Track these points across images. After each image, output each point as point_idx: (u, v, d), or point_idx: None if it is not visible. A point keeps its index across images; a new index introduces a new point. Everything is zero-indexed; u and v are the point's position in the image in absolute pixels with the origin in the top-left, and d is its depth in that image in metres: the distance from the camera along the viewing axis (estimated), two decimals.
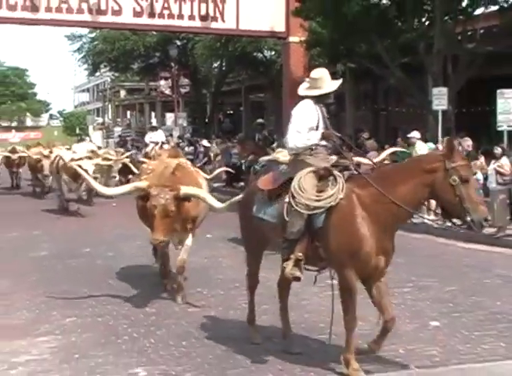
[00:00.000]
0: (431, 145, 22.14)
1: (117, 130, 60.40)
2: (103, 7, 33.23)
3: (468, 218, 8.23)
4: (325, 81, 9.30)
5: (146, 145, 34.23)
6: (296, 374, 8.52)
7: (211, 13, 34.98)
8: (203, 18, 34.96)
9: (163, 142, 32.96)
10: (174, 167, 12.12)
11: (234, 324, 10.17)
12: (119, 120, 79.36)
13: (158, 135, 34.36)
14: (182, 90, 51.72)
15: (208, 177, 16.04)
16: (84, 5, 32.99)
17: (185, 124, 45.36)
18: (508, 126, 21.59)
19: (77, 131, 76.35)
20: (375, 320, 8.78)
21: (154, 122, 37.70)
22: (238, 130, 46.58)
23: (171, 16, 34.57)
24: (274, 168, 16.29)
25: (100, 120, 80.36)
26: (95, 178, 21.28)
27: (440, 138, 22.68)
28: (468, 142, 20.88)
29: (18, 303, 12.25)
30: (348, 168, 8.93)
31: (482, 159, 20.59)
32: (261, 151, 27.03)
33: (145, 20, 34.52)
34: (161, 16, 34.43)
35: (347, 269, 8.40)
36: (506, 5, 26.48)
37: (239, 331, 10.28)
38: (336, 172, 8.71)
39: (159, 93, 59.74)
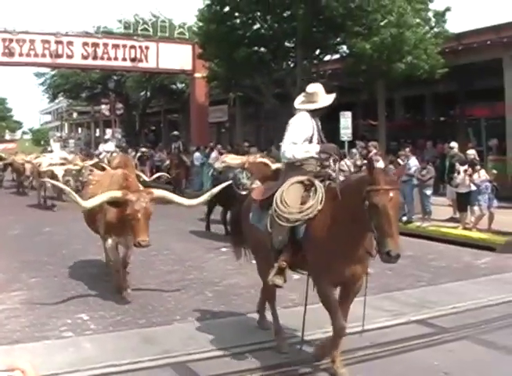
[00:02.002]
0: None
1: (71, 142, 59.31)
2: (60, 52, 33.13)
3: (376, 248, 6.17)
4: (320, 96, 7.54)
5: (100, 153, 33.48)
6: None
7: (138, 56, 34.96)
8: (133, 60, 34.93)
9: (113, 152, 31.25)
10: (123, 175, 10.00)
11: (151, 280, 10.12)
12: (72, 134, 78.15)
13: (109, 146, 33.23)
14: (118, 112, 51.28)
15: (148, 179, 15.58)
16: (47, 51, 32.90)
17: (120, 137, 44.87)
18: (347, 137, 21.98)
19: (42, 143, 74.97)
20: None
21: (106, 136, 37.02)
22: (159, 141, 46.47)
23: (109, 58, 34.48)
24: (229, 173, 15.97)
25: (58, 134, 79.16)
26: (67, 181, 20.85)
27: None
28: None
29: None
30: (331, 178, 6.99)
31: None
32: (175, 158, 28.05)
33: (90, 62, 34.47)
34: (102, 58, 34.34)
35: (323, 279, 6.72)
36: (344, 55, 26.87)
37: (155, 286, 10.29)
38: (317, 182, 6.87)
39: (101, 114, 59.13)
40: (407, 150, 18.45)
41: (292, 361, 6.97)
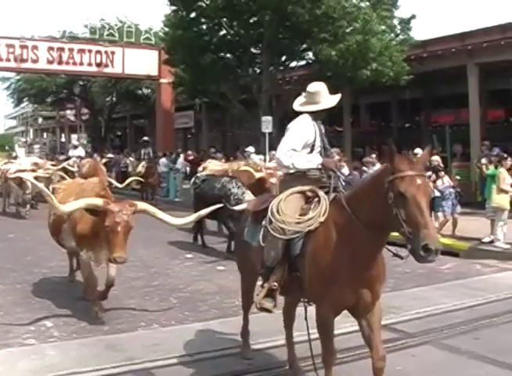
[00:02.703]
0: (261, 156, 22.37)
1: (36, 147, 58.81)
2: (25, 57, 33.01)
3: (408, 246, 5.15)
4: (322, 96, 6.66)
5: (69, 158, 32.96)
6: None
7: (104, 61, 34.89)
8: (98, 65, 34.86)
9: (82, 157, 29.37)
10: (100, 184, 9.34)
11: (116, 287, 10.05)
12: (37, 139, 77.50)
13: (79, 151, 31.73)
14: (83, 117, 51.14)
15: (120, 186, 15.00)
16: (11, 56, 32.78)
17: (85, 142, 44.58)
18: None
19: (7, 148, 74.15)
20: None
21: (75, 142, 36.16)
22: (124, 146, 46.27)
23: (74, 63, 34.41)
24: (214, 182, 14.89)
25: (23, 139, 78.46)
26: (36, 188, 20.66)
27: (267, 151, 22.95)
28: None
29: None
30: (337, 190, 6.12)
31: None
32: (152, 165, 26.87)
33: (55, 67, 34.37)
34: (68, 63, 34.24)
35: (322, 303, 5.79)
36: (310, 61, 27.09)
37: (120, 293, 10.24)
38: (321, 193, 6.04)
39: (66, 120, 58.87)
40: (373, 156, 18.57)
41: (256, 367, 6.97)
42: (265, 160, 21.12)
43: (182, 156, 28.97)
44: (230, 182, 14.41)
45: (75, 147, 32.12)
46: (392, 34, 24.88)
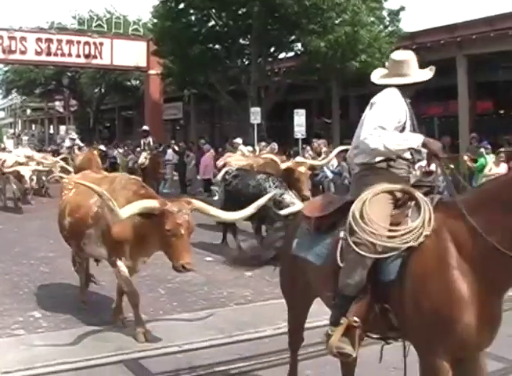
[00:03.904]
0: (250, 148, 22.39)
1: (25, 138, 58.59)
2: (13, 48, 32.96)
3: None
4: (412, 67, 5.19)
5: (58, 150, 32.54)
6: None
7: (93, 53, 34.88)
8: (87, 56, 34.83)
9: (78, 145, 30.22)
10: (136, 182, 8.39)
11: (105, 278, 10.06)
12: (26, 131, 77.24)
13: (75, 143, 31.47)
14: (72, 109, 51.05)
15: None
16: None
17: (74, 134, 44.49)
18: (301, 135, 22.18)
19: None
20: None
21: (71, 134, 35.53)
22: (113, 137, 46.20)
23: (63, 54, 34.35)
24: (247, 179, 12.97)
25: (12, 131, 78.26)
26: (32, 180, 19.99)
27: (256, 142, 23.00)
28: (275, 146, 21.18)
29: None
30: (437, 190, 4.77)
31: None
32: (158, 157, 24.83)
33: (44, 58, 34.30)
34: (56, 54, 34.18)
35: (435, 348, 4.19)
36: (299, 52, 27.16)
37: (109, 284, 10.24)
38: (419, 195, 4.59)
39: (55, 111, 58.70)
40: None
41: (245, 357, 7.01)
42: (254, 151, 21.17)
43: (171, 147, 28.90)
44: (267, 181, 12.56)
45: (72, 140, 31.64)
46: (381, 26, 24.97)
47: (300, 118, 22.46)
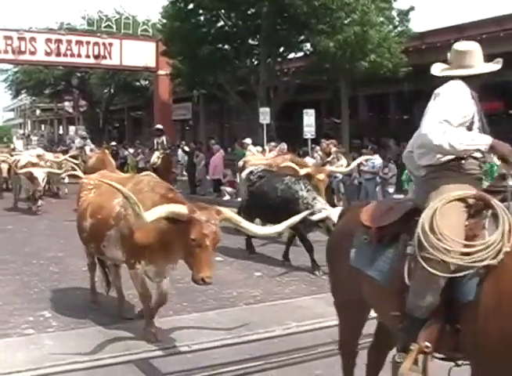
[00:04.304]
0: (259, 148, 22.41)
1: (34, 139, 58.77)
2: (23, 49, 33.11)
3: None
4: (476, 57, 4.72)
5: (68, 150, 32.24)
6: None
7: (102, 53, 34.97)
8: (96, 57, 34.93)
9: (87, 146, 28.47)
10: (164, 185, 7.96)
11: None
12: (35, 131, 77.50)
13: (86, 142, 29.74)
14: (81, 109, 51.13)
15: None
16: (9, 48, 32.91)
17: (83, 134, 44.53)
18: (311, 135, 22.17)
19: (5, 140, 74.17)
20: None
21: (82, 132, 34.91)
22: (122, 138, 46.29)
23: (72, 55, 34.48)
24: (274, 181, 12.26)
25: (21, 131, 78.53)
26: (48, 183, 20.30)
27: (265, 142, 23.03)
28: (284, 146, 21.16)
29: None
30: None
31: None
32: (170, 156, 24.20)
33: (53, 58, 34.49)
34: (65, 55, 34.32)
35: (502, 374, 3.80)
36: (308, 52, 27.18)
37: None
38: (496, 203, 4.10)
39: (64, 112, 58.83)
40: (369, 148, 18.65)
41: (254, 357, 7.01)
42: (263, 152, 21.17)
43: (180, 148, 28.88)
44: (297, 183, 11.79)
45: (84, 138, 31.18)
46: (391, 26, 24.94)
47: (309, 118, 22.45)
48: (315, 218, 10.30)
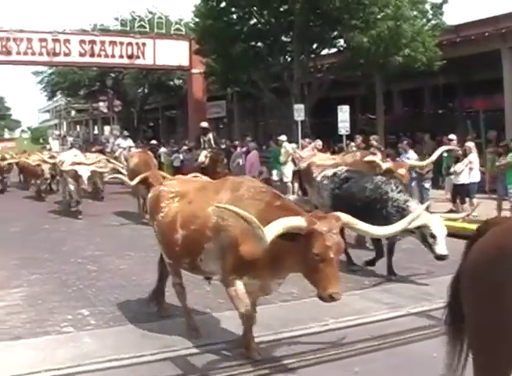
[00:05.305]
0: (294, 145, 22.39)
1: (70, 139, 59.30)
2: (57, 50, 33.28)
3: None
4: None
5: (103, 149, 32.26)
6: None
7: (135, 53, 35.05)
8: (130, 57, 35.01)
9: (130, 147, 28.82)
10: (270, 191, 6.97)
11: (151, 276, 10.13)
12: (71, 132, 78.26)
13: (127, 142, 30.56)
14: (116, 109, 51.39)
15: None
16: (44, 50, 33.06)
17: (118, 134, 44.86)
18: (345, 131, 22.11)
19: (41, 141, 74.96)
20: None
21: (124, 132, 34.24)
22: (157, 137, 46.48)
23: (106, 55, 34.60)
24: (360, 180, 11.37)
25: (57, 132, 79.33)
26: (94, 183, 20.01)
27: (300, 139, 23.02)
28: (319, 143, 21.13)
29: None
30: None
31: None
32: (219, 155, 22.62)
33: (88, 59, 34.61)
34: (99, 56, 34.46)
35: None
36: (341, 48, 27.09)
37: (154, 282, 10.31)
38: None
39: (99, 112, 59.29)
40: (405, 142, 18.52)
41: (293, 354, 7.00)
42: (297, 148, 21.14)
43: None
44: (387, 183, 10.84)
45: (125, 138, 31.07)
46: (424, 20, 24.68)
47: (344, 114, 22.37)
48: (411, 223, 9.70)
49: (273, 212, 6.21)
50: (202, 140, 23.24)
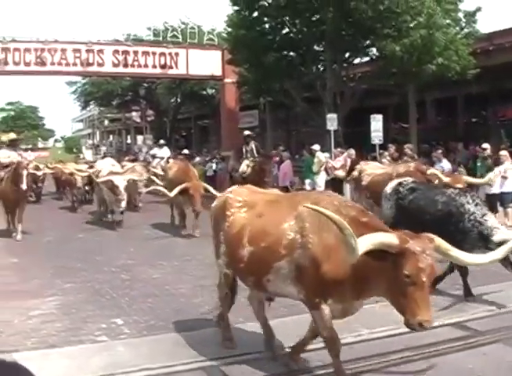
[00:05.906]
0: (327, 154, 22.36)
1: (103, 148, 59.86)
2: (91, 61, 33.46)
3: None
4: None
5: (135, 158, 32.20)
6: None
7: (168, 63, 35.17)
8: (163, 67, 35.15)
9: (168, 157, 27.57)
10: (340, 203, 6.23)
11: (185, 285, 10.17)
12: (104, 141, 78.94)
13: (164, 151, 29.42)
14: (149, 119, 51.83)
15: (219, 194, 12.77)
16: (78, 60, 33.25)
17: (151, 143, 45.10)
18: (378, 140, 22.02)
19: (74, 150, 75.66)
20: None
21: (160, 141, 33.61)
22: (189, 147, 46.66)
23: (139, 66, 34.76)
24: (432, 192, 10.51)
25: (90, 142, 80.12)
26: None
27: (333, 149, 22.98)
28: (352, 152, 21.08)
29: (32, 274, 12.25)
30: None
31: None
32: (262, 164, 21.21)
33: (121, 69, 34.78)
34: (132, 66, 34.62)
35: None
36: (374, 57, 27.00)
37: (189, 291, 10.34)
38: None
39: (132, 121, 59.76)
40: (439, 152, 18.40)
41: (327, 364, 6.92)
42: (330, 158, 21.10)
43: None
44: (463, 196, 9.88)
45: (161, 146, 30.33)
46: (457, 28, 24.56)
47: (377, 123, 22.32)
48: (495, 238, 8.76)
49: (358, 229, 5.54)
50: (244, 149, 22.36)
